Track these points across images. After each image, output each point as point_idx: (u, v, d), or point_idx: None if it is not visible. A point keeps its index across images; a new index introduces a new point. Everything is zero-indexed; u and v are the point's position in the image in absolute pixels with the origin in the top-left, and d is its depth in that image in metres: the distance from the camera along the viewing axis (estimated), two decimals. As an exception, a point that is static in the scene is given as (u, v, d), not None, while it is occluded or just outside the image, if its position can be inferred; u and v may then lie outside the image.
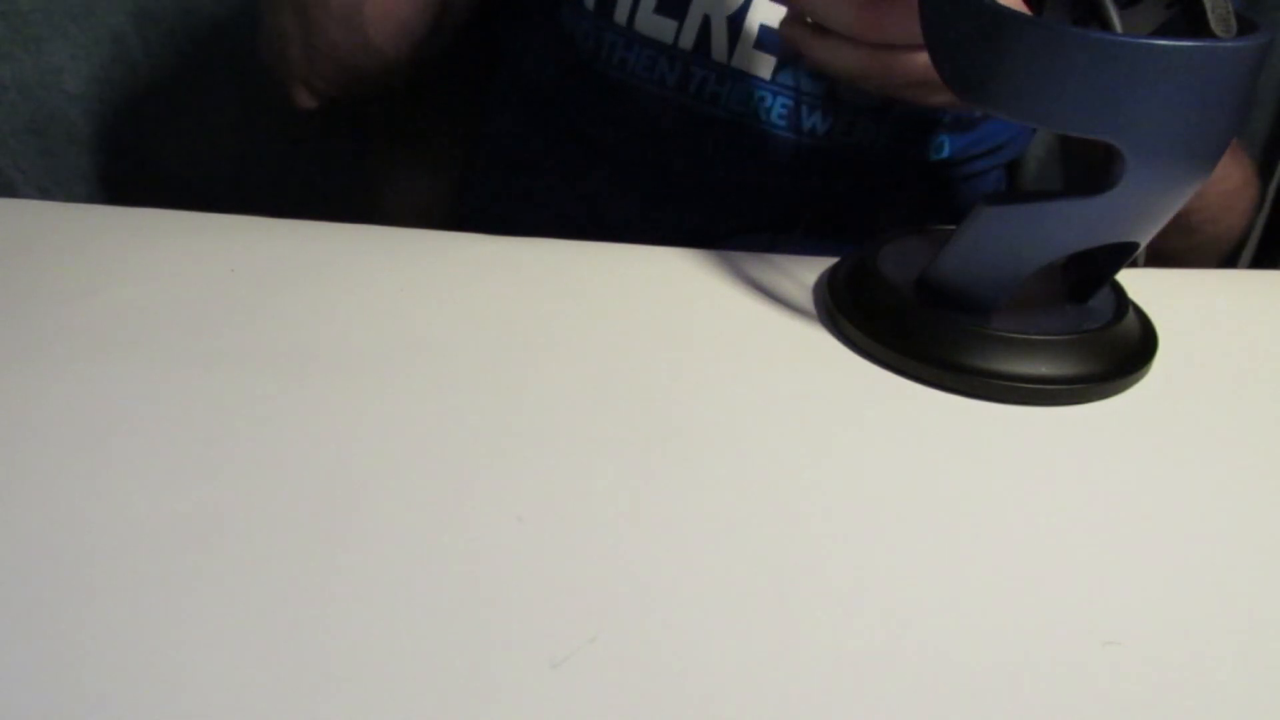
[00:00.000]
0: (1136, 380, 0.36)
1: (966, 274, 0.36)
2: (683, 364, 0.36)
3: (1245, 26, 0.32)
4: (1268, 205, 0.77)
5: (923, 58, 0.40)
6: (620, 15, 0.52)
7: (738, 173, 0.54)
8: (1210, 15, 0.31)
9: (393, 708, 0.23)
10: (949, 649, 0.25)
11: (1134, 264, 0.37)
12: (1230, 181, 0.56)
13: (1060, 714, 0.24)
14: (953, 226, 0.35)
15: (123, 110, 0.80)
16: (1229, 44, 0.30)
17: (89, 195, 0.83)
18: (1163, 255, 0.55)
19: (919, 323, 0.36)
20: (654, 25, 0.51)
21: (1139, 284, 0.40)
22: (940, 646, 0.25)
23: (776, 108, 0.52)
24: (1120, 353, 0.36)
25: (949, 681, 0.24)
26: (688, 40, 0.51)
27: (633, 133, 0.55)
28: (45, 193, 0.83)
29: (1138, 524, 0.30)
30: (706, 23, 0.51)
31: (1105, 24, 0.31)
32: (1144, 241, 0.35)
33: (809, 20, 0.40)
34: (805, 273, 0.42)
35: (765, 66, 0.51)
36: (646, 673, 0.24)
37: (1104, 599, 0.27)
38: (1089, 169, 0.60)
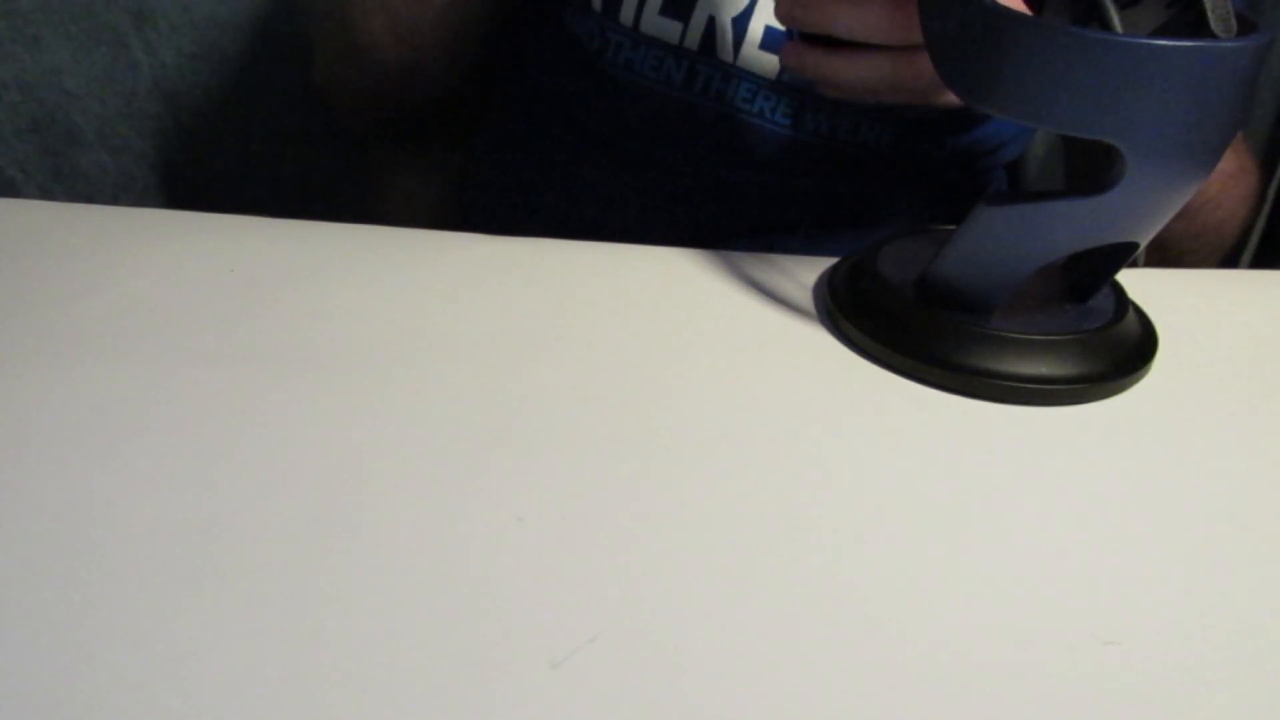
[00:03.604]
0: (1136, 380, 0.36)
1: (966, 274, 0.36)
2: (683, 364, 0.36)
3: (1245, 26, 0.31)
4: (1268, 205, 0.77)
5: None
6: (626, 16, 0.52)
7: (740, 171, 0.54)
8: (1210, 15, 0.31)
9: (393, 708, 0.23)
10: (949, 649, 0.25)
11: (1134, 264, 0.37)
12: (1226, 163, 0.56)
13: (1060, 714, 0.24)
14: (953, 226, 0.35)
15: (123, 110, 0.80)
16: (1229, 44, 0.30)
17: (89, 195, 0.83)
18: (1167, 244, 0.55)
19: (919, 323, 0.36)
20: (659, 26, 0.52)
21: (1139, 284, 0.40)
22: (940, 646, 0.25)
23: (781, 108, 0.52)
24: (1120, 353, 0.36)
25: (949, 681, 0.24)
26: (693, 41, 0.51)
27: (637, 130, 0.55)
28: (46, 192, 0.83)
29: (1138, 524, 0.30)
30: (711, 24, 0.51)
31: (1105, 24, 0.31)
32: (1144, 241, 0.35)
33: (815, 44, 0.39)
34: (805, 273, 0.42)
35: (770, 67, 0.51)
36: (646, 673, 0.24)
37: (1104, 599, 0.27)
38: (1090, 169, 0.60)
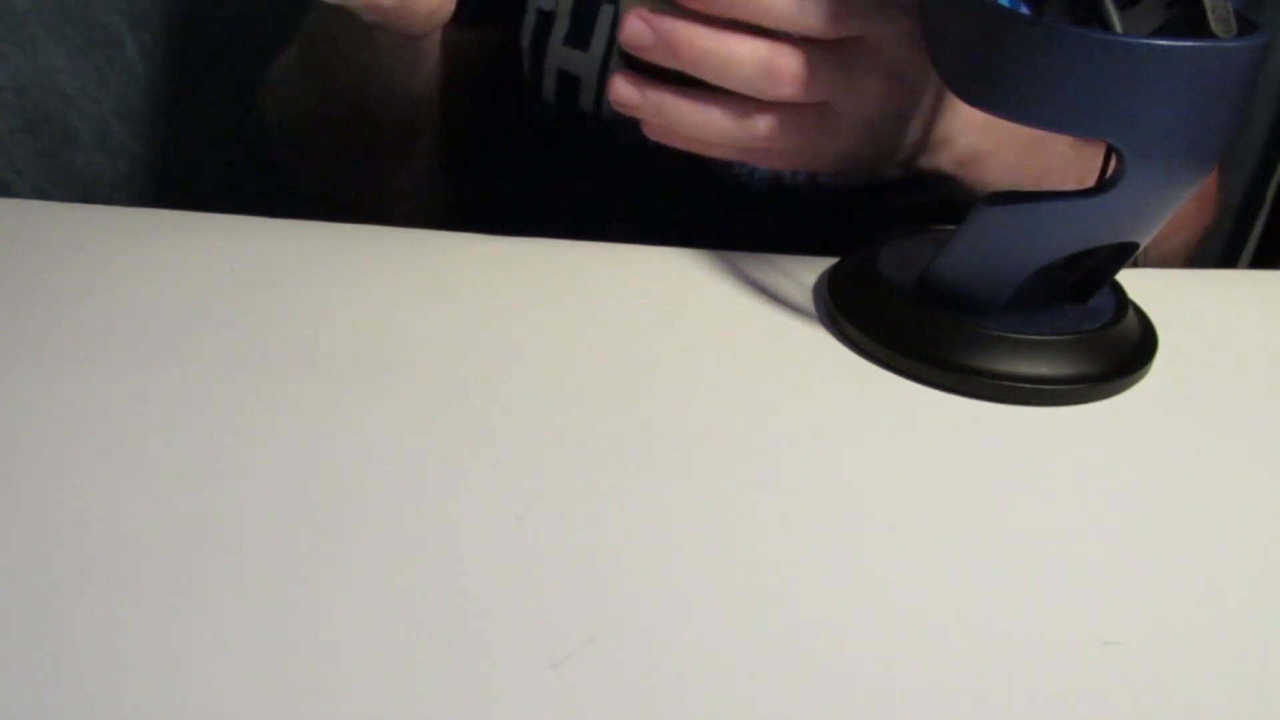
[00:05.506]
0: (1136, 380, 0.36)
1: (966, 274, 0.36)
2: (683, 364, 0.36)
3: (1245, 26, 0.32)
4: (1267, 205, 0.77)
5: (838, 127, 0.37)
6: (585, 105, 0.52)
7: (721, 209, 0.54)
8: (1210, 15, 0.31)
9: (392, 708, 0.23)
10: (949, 649, 0.25)
11: (1134, 264, 0.37)
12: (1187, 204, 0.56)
13: (1060, 714, 0.24)
14: (953, 227, 0.35)
15: (119, 111, 0.80)
16: (1229, 44, 0.30)
17: (84, 197, 0.83)
18: None
19: (919, 323, 0.36)
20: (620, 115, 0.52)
21: (1139, 284, 0.40)
22: (940, 647, 0.25)
23: (760, 171, 0.51)
24: (1120, 353, 0.36)
25: (949, 682, 0.24)
26: None
27: (616, 164, 0.55)
28: (41, 194, 0.83)
29: (1137, 524, 0.30)
30: None
31: (1105, 24, 0.31)
32: (1144, 241, 0.35)
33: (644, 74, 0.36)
34: (805, 273, 0.42)
35: None
36: (646, 673, 0.24)
37: (1104, 599, 0.27)
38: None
